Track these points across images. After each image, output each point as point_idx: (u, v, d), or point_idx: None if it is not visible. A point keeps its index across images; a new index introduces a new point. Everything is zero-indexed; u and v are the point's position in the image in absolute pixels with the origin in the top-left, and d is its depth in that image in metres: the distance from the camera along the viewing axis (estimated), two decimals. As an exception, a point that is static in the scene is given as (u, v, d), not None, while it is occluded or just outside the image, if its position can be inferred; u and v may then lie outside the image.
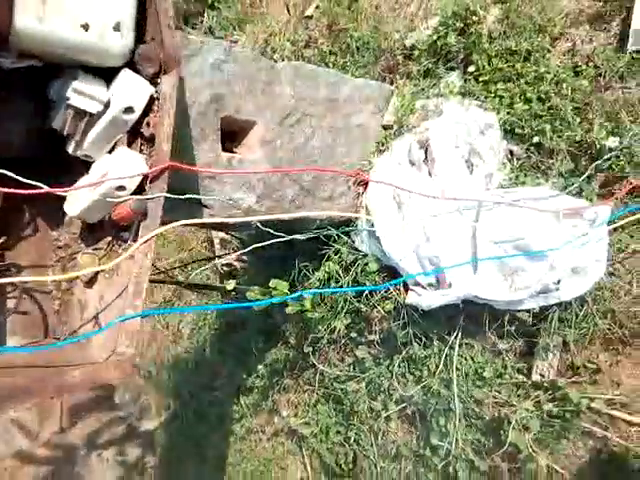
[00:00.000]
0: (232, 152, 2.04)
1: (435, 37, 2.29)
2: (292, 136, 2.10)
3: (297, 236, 1.94)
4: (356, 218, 2.33)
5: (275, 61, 3.41)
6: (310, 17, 3.31)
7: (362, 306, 2.30)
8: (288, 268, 2.66)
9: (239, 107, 1.93)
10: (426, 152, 2.10)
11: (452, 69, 2.32)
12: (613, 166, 1.84)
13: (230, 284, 2.32)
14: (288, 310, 2.25)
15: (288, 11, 3.45)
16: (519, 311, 1.88)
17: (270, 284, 2.29)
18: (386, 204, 2.17)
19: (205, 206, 1.92)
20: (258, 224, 1.73)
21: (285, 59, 3.26)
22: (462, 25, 2.23)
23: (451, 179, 2.00)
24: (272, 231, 1.80)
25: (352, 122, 2.33)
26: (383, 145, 2.31)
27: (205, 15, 4.40)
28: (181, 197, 1.40)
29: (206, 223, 1.83)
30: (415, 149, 2.13)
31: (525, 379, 2.00)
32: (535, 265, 1.78)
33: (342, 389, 2.65)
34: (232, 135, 2.07)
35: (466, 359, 2.10)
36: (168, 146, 1.33)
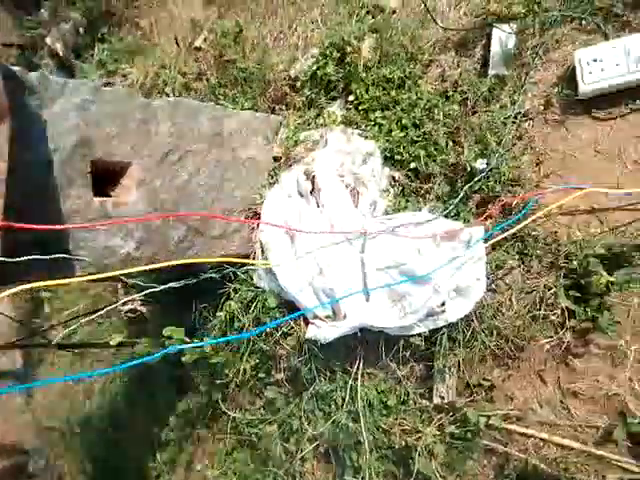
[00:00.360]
0: (109, 195, 1.98)
1: (315, 68, 2.37)
2: (174, 175, 2.07)
3: (172, 284, 1.89)
4: (253, 253, 2.32)
5: (167, 95, 3.39)
6: (199, 49, 3.33)
7: (264, 345, 2.27)
8: (190, 311, 2.60)
9: (111, 149, 1.88)
10: (313, 183, 2.14)
11: (334, 99, 2.40)
12: (484, 187, 1.96)
13: (115, 338, 2.21)
14: (185, 359, 2.17)
15: (177, 43, 3.45)
16: (412, 336, 1.94)
17: (164, 332, 2.21)
18: (279, 238, 2.18)
19: (76, 258, 1.83)
20: (122, 277, 1.65)
21: (176, 92, 3.24)
22: (339, 55, 2.32)
23: (338, 209, 2.05)
24: (142, 283, 1.74)
25: (240, 155, 2.34)
26: (273, 177, 2.33)
27: (95, 48, 4.31)
28: (13, 260, 1.30)
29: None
30: (302, 180, 2.16)
31: (428, 403, 2.05)
32: (420, 289, 1.84)
33: (256, 433, 2.59)
34: (112, 176, 2.01)
35: (370, 389, 2.12)
36: (1, 202, 1.25)
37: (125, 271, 1.64)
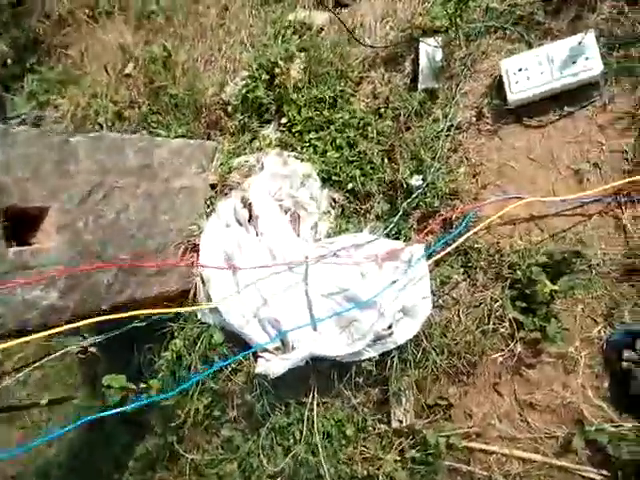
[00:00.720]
0: (29, 242, 1.79)
1: (245, 91, 2.26)
2: (99, 214, 1.91)
3: (99, 338, 1.72)
4: (194, 287, 2.17)
5: (101, 125, 3.20)
6: (130, 76, 3.16)
7: (214, 385, 2.12)
8: (139, 349, 2.42)
9: (26, 194, 1.72)
10: (250, 210, 2.02)
11: (269, 121, 2.30)
12: (423, 203, 1.89)
13: (44, 398, 2.00)
14: (128, 409, 1.98)
15: (107, 71, 3.27)
16: (362, 361, 1.83)
17: (103, 381, 2.03)
18: (219, 269, 2.04)
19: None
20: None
21: (108, 121, 3.06)
22: (269, 77, 2.22)
23: (277, 236, 1.93)
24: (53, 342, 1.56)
25: (174, 186, 2.21)
26: (210, 206, 2.19)
27: (25, 79, 4.05)
28: None
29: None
30: (239, 208, 2.05)
31: (387, 428, 1.95)
32: (366, 314, 1.75)
33: (216, 473, 2.41)
34: (31, 222, 1.82)
35: (327, 419, 2.01)
36: None
37: (44, 333, 1.45)
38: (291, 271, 1.89)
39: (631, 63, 1.78)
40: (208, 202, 2.22)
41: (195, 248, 2.14)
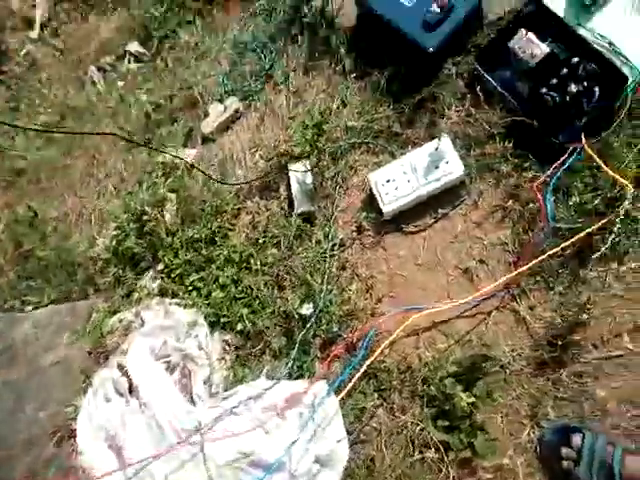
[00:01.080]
0: None
1: (114, 243, 2.23)
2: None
3: None
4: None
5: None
6: (-4, 242, 3.04)
7: None
8: None
9: None
10: (130, 378, 1.87)
11: (147, 269, 2.25)
12: (319, 331, 1.87)
13: None
14: None
15: (-31, 239, 3.13)
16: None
17: None
18: (102, 456, 1.82)
19: None
20: None
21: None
22: (138, 225, 2.22)
23: (163, 405, 1.78)
24: None
25: (42, 364, 2.05)
26: (86, 379, 2.02)
27: None
28: None
29: None
30: (117, 377, 1.89)
31: None
32: (276, 479, 1.59)
33: None
34: None
35: None
36: None
37: None
38: (186, 443, 1.72)
39: (489, 159, 1.96)
40: (85, 375, 2.05)
41: (73, 434, 1.92)
